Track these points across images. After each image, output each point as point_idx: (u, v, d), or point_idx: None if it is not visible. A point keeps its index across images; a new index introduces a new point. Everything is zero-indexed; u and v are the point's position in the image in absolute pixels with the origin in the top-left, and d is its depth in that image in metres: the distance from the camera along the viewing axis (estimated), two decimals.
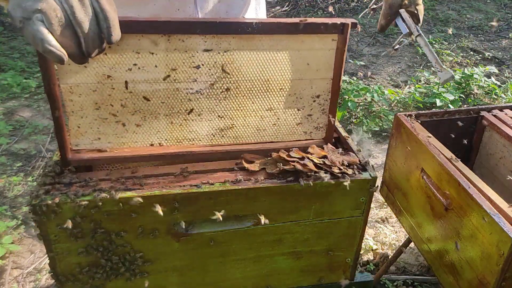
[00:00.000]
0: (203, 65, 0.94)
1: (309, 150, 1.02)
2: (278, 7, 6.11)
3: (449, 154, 1.40)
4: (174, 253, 0.95)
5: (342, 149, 1.08)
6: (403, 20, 1.24)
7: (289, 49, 0.97)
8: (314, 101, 1.06)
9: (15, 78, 3.94)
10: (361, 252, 2.28)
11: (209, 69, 0.95)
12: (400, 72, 4.61)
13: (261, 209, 0.94)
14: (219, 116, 1.02)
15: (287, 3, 6.21)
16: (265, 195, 0.92)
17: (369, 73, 4.39)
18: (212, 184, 0.90)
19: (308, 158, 0.97)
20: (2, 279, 2.12)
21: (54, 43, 0.70)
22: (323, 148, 1.04)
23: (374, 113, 3.64)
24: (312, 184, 0.92)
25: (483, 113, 1.69)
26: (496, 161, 1.69)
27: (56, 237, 0.87)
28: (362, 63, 4.54)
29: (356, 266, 1.10)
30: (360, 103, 3.75)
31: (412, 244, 1.80)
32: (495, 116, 1.67)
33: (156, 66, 0.92)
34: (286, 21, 0.93)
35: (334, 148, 1.05)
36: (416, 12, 1.24)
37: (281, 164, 0.96)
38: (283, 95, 1.03)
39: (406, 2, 1.20)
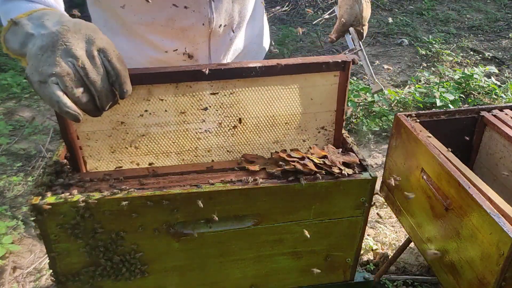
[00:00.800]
0: (210, 106, 0.99)
1: (310, 150, 1.02)
2: (278, 7, 6.12)
3: (452, 156, 1.40)
4: (174, 253, 0.95)
5: (342, 149, 1.08)
6: (351, 36, 1.45)
7: (292, 87, 1.01)
8: (319, 132, 1.10)
9: (15, 78, 3.94)
10: (361, 252, 2.28)
11: (217, 110, 1.01)
12: (400, 72, 4.61)
13: (261, 209, 0.94)
14: (227, 151, 1.07)
15: (287, 3, 6.21)
16: (265, 195, 0.92)
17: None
18: (212, 184, 0.90)
19: (308, 158, 0.97)
20: (2, 279, 2.12)
21: (69, 105, 0.75)
22: (323, 149, 1.04)
23: (374, 113, 3.64)
24: (312, 184, 0.93)
25: (483, 113, 1.69)
26: (496, 161, 1.69)
27: (56, 237, 0.87)
28: (362, 63, 4.54)
29: (356, 266, 1.10)
30: (360, 103, 3.75)
31: (412, 244, 1.80)
32: (495, 116, 1.67)
33: (166, 111, 0.98)
34: (288, 62, 0.97)
35: (334, 148, 1.05)
36: (362, 31, 1.43)
37: (282, 164, 0.96)
38: (288, 129, 1.08)
39: (355, 22, 1.40)
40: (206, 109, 0.99)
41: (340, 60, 0.98)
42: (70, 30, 0.78)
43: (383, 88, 1.33)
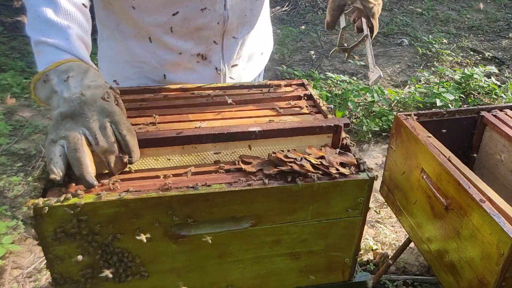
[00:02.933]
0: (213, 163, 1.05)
1: (307, 150, 1.02)
2: (278, 7, 6.12)
3: (452, 156, 1.40)
4: (172, 254, 0.94)
5: (340, 149, 1.08)
6: (360, 22, 1.35)
7: (289, 147, 1.07)
8: None
9: (15, 78, 3.94)
10: (361, 252, 2.28)
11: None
12: (400, 72, 4.61)
13: (259, 210, 0.93)
14: None
15: (287, 3, 6.21)
16: (262, 196, 0.92)
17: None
18: (209, 185, 0.90)
19: (305, 158, 0.97)
20: (2, 279, 2.12)
21: (57, 164, 0.84)
22: (320, 149, 1.04)
23: (374, 113, 3.64)
24: (309, 184, 0.92)
25: (483, 113, 1.69)
26: (496, 161, 1.69)
27: (53, 240, 0.86)
28: (362, 63, 4.54)
29: (355, 266, 1.10)
30: (360, 103, 3.75)
31: (412, 244, 1.80)
32: (495, 116, 1.67)
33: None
34: (285, 127, 1.05)
35: (331, 148, 1.05)
36: (362, 8, 1.32)
37: (279, 165, 0.95)
38: None
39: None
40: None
41: (332, 124, 1.06)
42: (87, 101, 0.87)
43: (381, 74, 1.29)
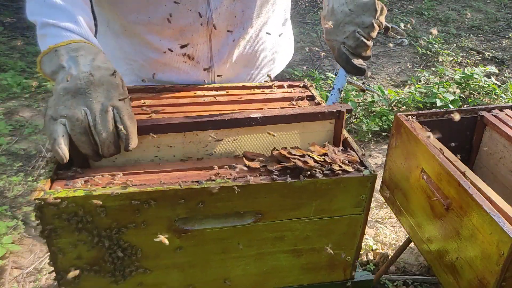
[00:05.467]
0: (215, 152, 1.06)
1: (310, 147, 1.03)
2: None
3: (452, 156, 1.40)
4: (175, 249, 0.95)
5: (343, 147, 1.08)
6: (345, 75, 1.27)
7: (291, 133, 1.08)
8: None
9: (15, 78, 3.94)
10: (361, 252, 2.28)
11: (221, 155, 1.07)
12: (400, 72, 4.61)
13: (262, 206, 0.94)
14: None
15: None
16: (265, 192, 0.92)
17: (369, 73, 4.40)
18: (213, 180, 0.91)
19: (308, 155, 0.97)
20: (2, 279, 2.12)
21: (62, 146, 0.83)
22: (323, 146, 1.04)
23: (374, 113, 3.64)
24: (312, 181, 0.93)
25: (483, 113, 1.69)
26: (496, 161, 1.69)
27: (57, 232, 0.87)
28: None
29: (356, 265, 1.10)
30: (360, 103, 3.75)
31: (412, 244, 1.80)
32: (495, 116, 1.67)
33: (174, 156, 1.03)
34: (287, 112, 1.04)
35: (334, 146, 1.06)
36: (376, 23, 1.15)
37: (282, 161, 0.96)
38: None
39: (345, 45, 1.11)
40: (211, 154, 1.05)
41: (335, 110, 1.05)
42: (94, 82, 0.87)
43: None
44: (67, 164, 0.88)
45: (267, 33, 1.38)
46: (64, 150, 0.82)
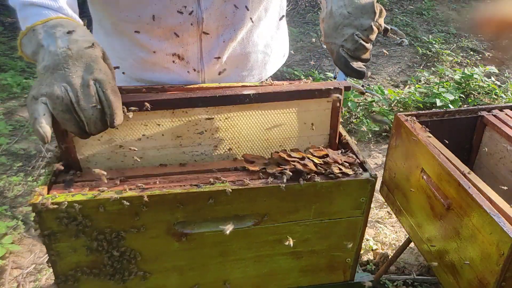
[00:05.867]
0: (206, 131, 1.03)
1: (310, 150, 1.02)
2: None
3: (452, 156, 1.40)
4: (174, 252, 0.95)
5: (343, 149, 1.08)
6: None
7: (286, 112, 1.04)
8: None
9: (15, 78, 3.94)
10: (361, 252, 2.28)
11: (212, 134, 1.04)
12: (400, 72, 4.61)
13: (262, 209, 0.94)
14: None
15: (287, 3, 6.20)
16: (265, 195, 0.92)
17: (369, 73, 4.40)
18: (213, 184, 0.91)
19: (308, 158, 0.97)
20: (2, 279, 2.12)
21: (43, 125, 0.79)
22: (323, 148, 1.04)
23: (374, 113, 3.64)
24: (312, 184, 0.93)
25: (483, 113, 1.69)
26: (496, 161, 1.69)
27: (56, 236, 0.87)
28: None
29: (356, 266, 1.10)
30: (360, 103, 3.75)
31: (412, 244, 1.80)
32: (495, 116, 1.67)
33: (163, 135, 1.01)
34: (282, 89, 1.00)
35: (334, 149, 1.05)
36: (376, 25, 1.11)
37: (282, 164, 0.96)
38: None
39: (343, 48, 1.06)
40: (202, 133, 1.02)
41: (332, 87, 1.01)
42: (72, 56, 0.83)
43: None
44: (65, 167, 0.87)
45: (258, 35, 1.37)
46: (45, 129, 0.79)
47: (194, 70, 1.32)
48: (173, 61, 1.29)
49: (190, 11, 1.19)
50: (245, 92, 0.97)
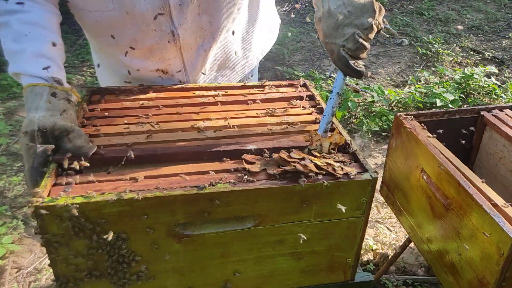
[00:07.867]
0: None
1: (311, 151, 1.02)
2: (278, 7, 6.11)
3: (452, 156, 1.40)
4: (175, 254, 0.95)
5: (343, 149, 1.08)
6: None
7: None
8: None
9: None
10: (361, 252, 2.28)
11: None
12: (400, 72, 4.61)
13: (262, 210, 0.94)
14: None
15: (287, 3, 6.21)
16: (265, 196, 0.92)
17: (369, 73, 4.39)
18: (213, 185, 0.90)
19: (308, 159, 0.97)
20: (2, 279, 2.12)
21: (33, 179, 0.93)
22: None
23: (374, 113, 3.64)
24: (312, 185, 0.93)
25: (483, 113, 1.69)
26: (496, 161, 1.69)
27: (57, 238, 0.86)
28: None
29: (357, 266, 1.10)
30: (360, 103, 3.75)
31: (412, 244, 1.80)
32: (495, 116, 1.67)
33: None
34: (281, 145, 1.05)
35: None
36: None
37: (282, 165, 0.96)
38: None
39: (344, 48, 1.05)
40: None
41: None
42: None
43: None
44: (65, 170, 0.88)
45: (234, 33, 1.39)
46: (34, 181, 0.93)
47: (180, 81, 1.35)
48: (159, 76, 1.33)
49: (165, 29, 1.21)
50: (248, 147, 1.04)
